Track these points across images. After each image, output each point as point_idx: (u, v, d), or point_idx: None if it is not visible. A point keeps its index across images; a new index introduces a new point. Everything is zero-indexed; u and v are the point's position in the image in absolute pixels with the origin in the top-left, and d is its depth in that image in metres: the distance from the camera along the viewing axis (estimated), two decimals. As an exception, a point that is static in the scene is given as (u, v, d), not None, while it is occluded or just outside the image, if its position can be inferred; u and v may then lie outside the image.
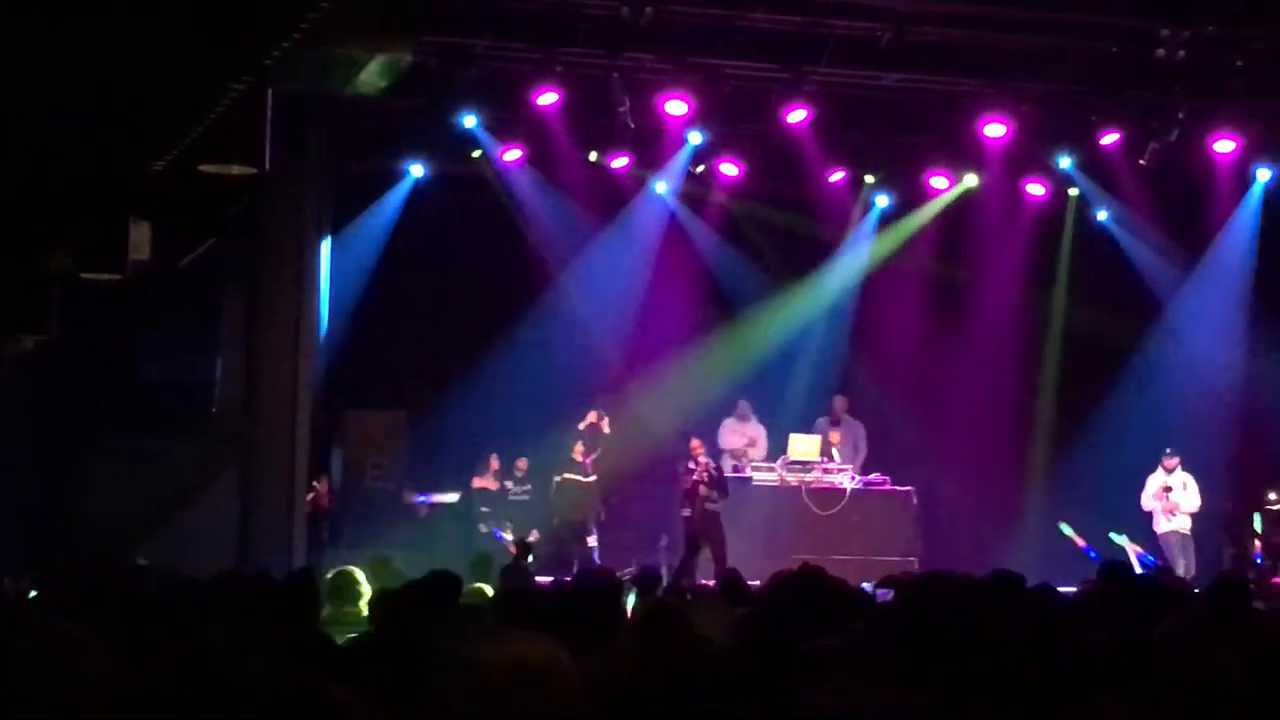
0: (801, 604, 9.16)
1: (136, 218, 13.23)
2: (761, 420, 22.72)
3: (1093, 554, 19.43)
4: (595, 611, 7.50)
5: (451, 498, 21.15)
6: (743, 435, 22.32)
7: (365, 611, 10.05)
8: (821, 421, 22.71)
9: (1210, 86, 20.86)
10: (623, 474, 22.28)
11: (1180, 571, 19.82)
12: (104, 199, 12.48)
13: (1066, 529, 20.39)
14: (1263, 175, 22.62)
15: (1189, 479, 21.27)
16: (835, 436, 22.46)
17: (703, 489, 20.51)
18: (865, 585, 11.87)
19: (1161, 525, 21.18)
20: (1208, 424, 22.65)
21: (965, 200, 23.40)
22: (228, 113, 10.01)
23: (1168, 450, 21.35)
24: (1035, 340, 23.97)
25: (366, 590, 10.49)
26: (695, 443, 21.20)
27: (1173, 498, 21.12)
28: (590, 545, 21.33)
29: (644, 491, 22.57)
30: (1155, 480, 21.31)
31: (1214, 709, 5.19)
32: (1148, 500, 21.27)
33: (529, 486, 21.69)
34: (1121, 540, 20.02)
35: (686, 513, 20.68)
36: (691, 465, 20.84)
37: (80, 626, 5.10)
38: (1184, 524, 21.11)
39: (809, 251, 23.71)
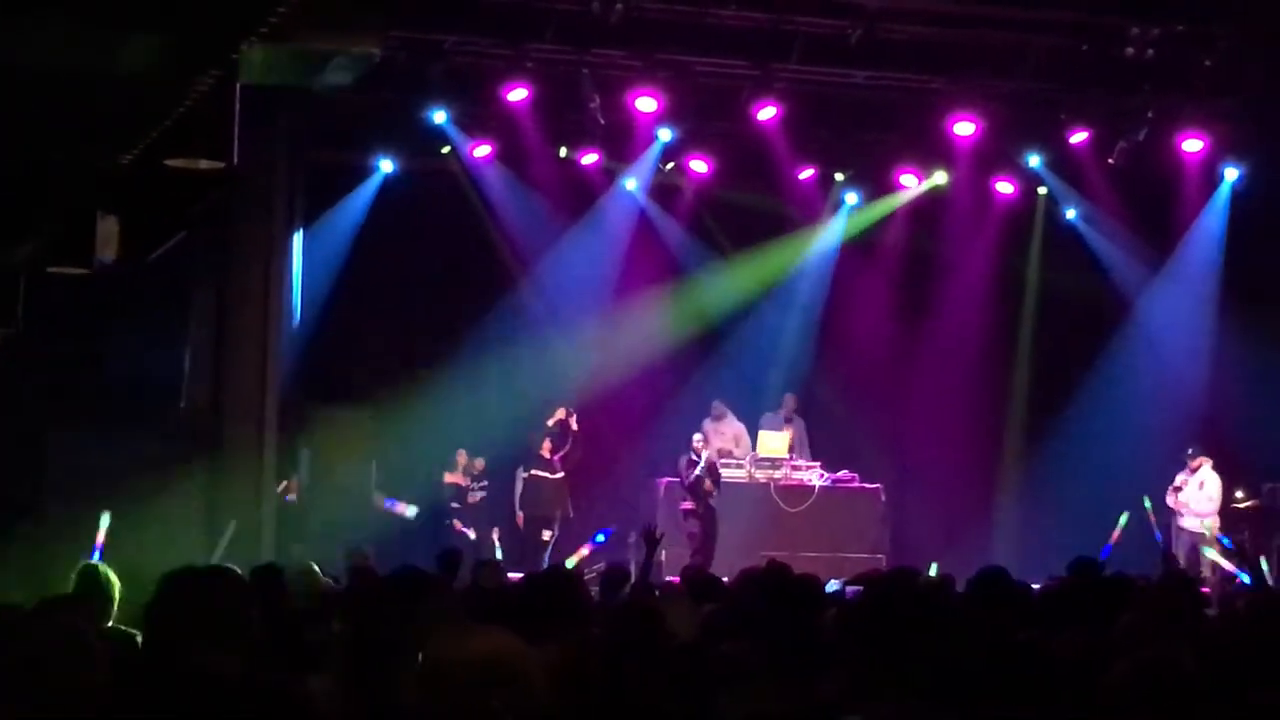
0: (769, 601, 9.18)
1: (104, 212, 13.17)
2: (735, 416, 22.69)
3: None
4: (556, 604, 7.50)
5: (411, 512, 21.01)
6: (725, 435, 22.25)
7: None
8: (772, 418, 22.60)
9: (1179, 85, 20.93)
10: (591, 471, 22.27)
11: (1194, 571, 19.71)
12: (71, 193, 12.43)
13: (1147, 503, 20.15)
14: (1231, 174, 22.68)
15: (1210, 479, 21.16)
16: (792, 435, 22.44)
17: (707, 483, 20.62)
18: (834, 582, 11.91)
19: (1178, 523, 21.19)
20: (1175, 422, 22.70)
21: (934, 198, 23.43)
22: (195, 106, 9.97)
23: (1190, 450, 21.31)
24: (1004, 338, 24.01)
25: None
26: (698, 437, 21.31)
27: (1181, 497, 21.11)
28: (547, 540, 21.32)
29: (613, 488, 22.55)
30: (1179, 478, 21.27)
31: (1163, 707, 5.20)
32: (1169, 497, 21.29)
33: (486, 483, 21.64)
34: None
35: (688, 506, 20.78)
36: (694, 459, 20.96)
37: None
38: (1193, 524, 21.02)
39: (778, 249, 23.69)
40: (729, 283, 23.58)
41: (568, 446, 21.71)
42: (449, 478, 21.42)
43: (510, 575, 14.56)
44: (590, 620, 7.22)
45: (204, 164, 11.01)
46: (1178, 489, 21.18)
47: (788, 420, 22.60)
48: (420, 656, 4.40)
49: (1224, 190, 22.90)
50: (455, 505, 21.25)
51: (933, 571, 16.62)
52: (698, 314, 23.63)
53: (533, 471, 21.59)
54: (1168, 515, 21.06)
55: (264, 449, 19.48)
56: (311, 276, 21.26)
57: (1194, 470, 21.21)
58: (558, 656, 5.72)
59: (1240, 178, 22.65)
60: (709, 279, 23.59)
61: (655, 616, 6.84)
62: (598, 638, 6.79)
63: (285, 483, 19.98)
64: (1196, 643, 6.58)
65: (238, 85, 10.86)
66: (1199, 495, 21.12)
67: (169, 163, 11.02)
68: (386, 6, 16.71)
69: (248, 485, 18.95)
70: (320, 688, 6.05)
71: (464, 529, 20.98)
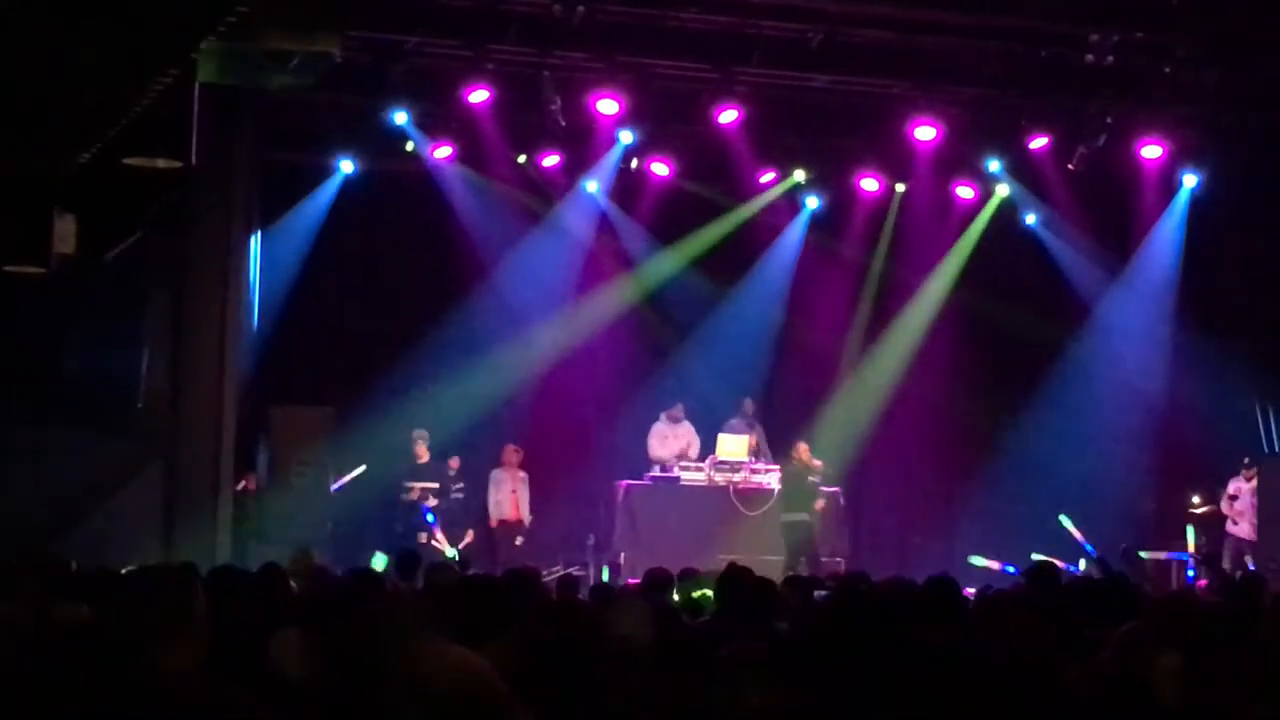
0: (728, 604, 9.20)
1: (61, 211, 13.13)
2: (690, 421, 22.66)
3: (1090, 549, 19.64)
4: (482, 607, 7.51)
5: (359, 470, 20.85)
6: (678, 440, 22.22)
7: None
8: (738, 423, 22.57)
9: (1138, 92, 21.05)
10: (552, 473, 22.25)
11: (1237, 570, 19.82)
12: (28, 192, 12.38)
13: (1066, 521, 20.27)
14: (1189, 181, 22.76)
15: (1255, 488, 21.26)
16: (755, 439, 22.42)
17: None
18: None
19: (1230, 530, 21.24)
20: (1133, 427, 22.81)
21: (895, 201, 23.52)
22: (153, 106, 9.93)
23: (1246, 459, 21.36)
24: (962, 342, 24.04)
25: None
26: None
27: (1239, 505, 21.17)
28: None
29: (572, 491, 22.54)
30: (1232, 486, 21.30)
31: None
32: (1224, 504, 21.36)
33: (463, 485, 21.56)
34: (1068, 524, 20.04)
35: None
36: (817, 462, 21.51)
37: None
38: (1246, 531, 21.06)
39: (738, 251, 23.71)
40: (689, 285, 23.57)
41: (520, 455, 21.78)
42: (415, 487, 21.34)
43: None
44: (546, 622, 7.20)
45: (162, 163, 10.99)
46: (1233, 497, 21.21)
47: (750, 425, 22.58)
48: (390, 670, 4.39)
49: (1182, 196, 22.99)
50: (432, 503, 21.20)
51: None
52: (658, 317, 23.62)
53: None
54: (1217, 521, 21.24)
55: (221, 449, 19.44)
56: (271, 277, 21.20)
57: (1249, 479, 21.22)
58: (503, 657, 5.70)
59: (1198, 184, 22.74)
60: (669, 282, 23.56)
61: (575, 616, 6.81)
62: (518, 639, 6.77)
63: (243, 482, 19.92)
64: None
65: (196, 85, 10.83)
66: (1252, 504, 21.15)
67: (127, 162, 10.99)
68: (345, 7, 16.67)
69: (205, 485, 18.90)
70: (280, 689, 6.04)
71: (430, 538, 20.87)
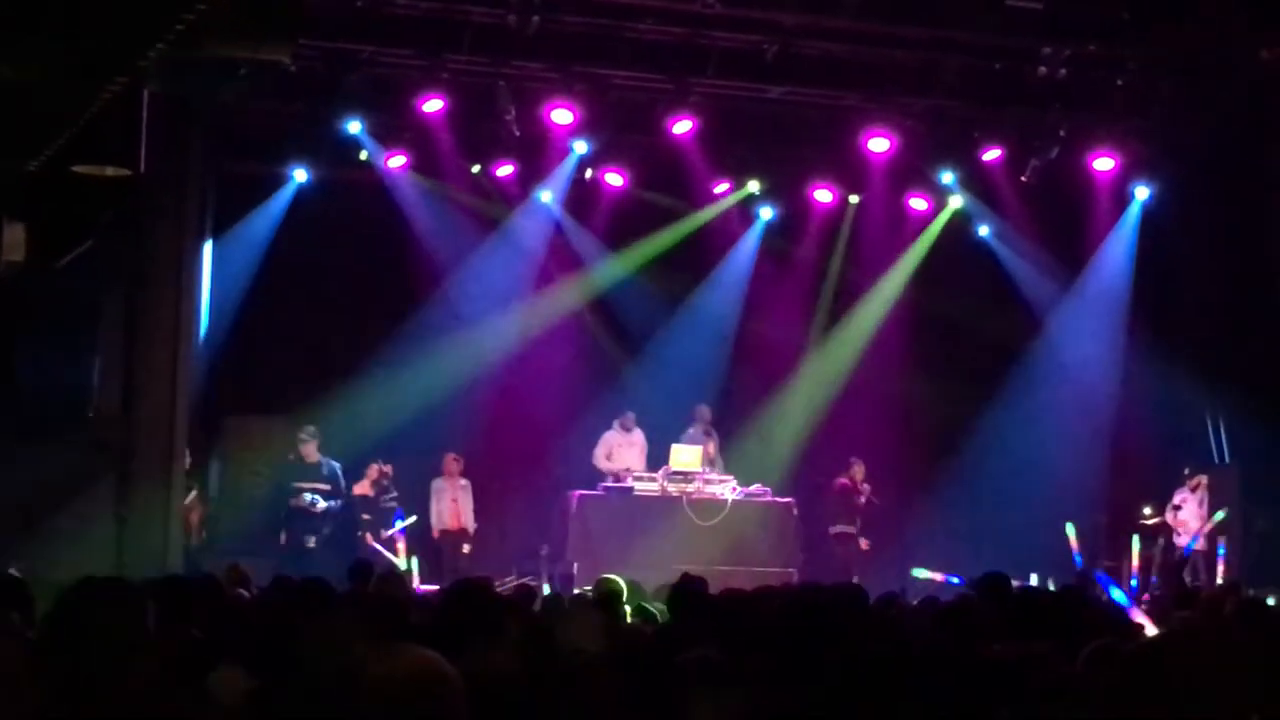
0: (683, 614, 9.20)
1: (10, 218, 13.06)
2: (643, 429, 22.64)
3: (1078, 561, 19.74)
4: (469, 620, 7.48)
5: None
6: (634, 447, 22.20)
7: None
8: (696, 433, 22.58)
9: (1090, 105, 21.18)
10: (505, 483, 22.21)
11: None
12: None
13: (920, 572, 20.44)
14: (1141, 193, 22.89)
15: (1207, 498, 21.35)
16: (711, 448, 22.44)
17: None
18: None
19: (1175, 541, 21.31)
20: (1084, 438, 22.88)
21: (849, 214, 23.58)
22: (102, 114, 9.89)
23: (1186, 470, 21.44)
24: (915, 353, 24.10)
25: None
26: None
27: (1182, 515, 21.25)
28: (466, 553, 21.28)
29: (526, 500, 22.50)
30: (1178, 497, 21.38)
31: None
32: (1168, 515, 21.43)
33: (395, 494, 21.50)
34: (923, 574, 20.21)
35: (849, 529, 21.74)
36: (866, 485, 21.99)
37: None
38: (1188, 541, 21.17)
39: (693, 261, 23.74)
40: (643, 296, 23.58)
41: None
42: (357, 489, 21.28)
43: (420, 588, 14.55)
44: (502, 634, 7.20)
45: (111, 171, 10.94)
46: (1177, 507, 21.28)
47: (707, 434, 22.57)
48: (345, 672, 4.37)
49: (1134, 209, 23.10)
50: (366, 517, 21.09)
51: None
52: (611, 326, 23.62)
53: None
54: (1165, 532, 21.31)
55: (174, 459, 19.34)
56: (224, 286, 21.11)
57: (1194, 489, 21.31)
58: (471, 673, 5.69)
59: (1150, 197, 22.86)
60: (623, 292, 23.56)
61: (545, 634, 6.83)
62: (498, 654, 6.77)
63: (194, 492, 19.84)
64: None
65: (145, 93, 10.79)
66: (1199, 514, 21.24)
67: (75, 170, 10.93)
68: (298, 16, 16.62)
69: (157, 495, 18.80)
70: (226, 700, 6.01)
71: (375, 544, 20.78)
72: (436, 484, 21.57)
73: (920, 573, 20.27)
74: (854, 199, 23.35)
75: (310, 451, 20.69)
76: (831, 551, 21.70)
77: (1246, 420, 21.13)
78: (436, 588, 15.45)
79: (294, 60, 17.17)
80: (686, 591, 9.88)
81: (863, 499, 21.93)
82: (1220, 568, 20.31)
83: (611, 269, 23.52)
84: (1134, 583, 20.20)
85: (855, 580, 18.22)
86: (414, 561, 20.11)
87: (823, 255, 24.07)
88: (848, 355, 23.95)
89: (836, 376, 23.92)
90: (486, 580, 12.77)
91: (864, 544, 21.87)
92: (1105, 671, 6.10)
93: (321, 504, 20.49)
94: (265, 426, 21.18)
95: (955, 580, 18.96)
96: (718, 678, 5.55)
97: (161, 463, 19.07)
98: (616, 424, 22.23)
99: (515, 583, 17.20)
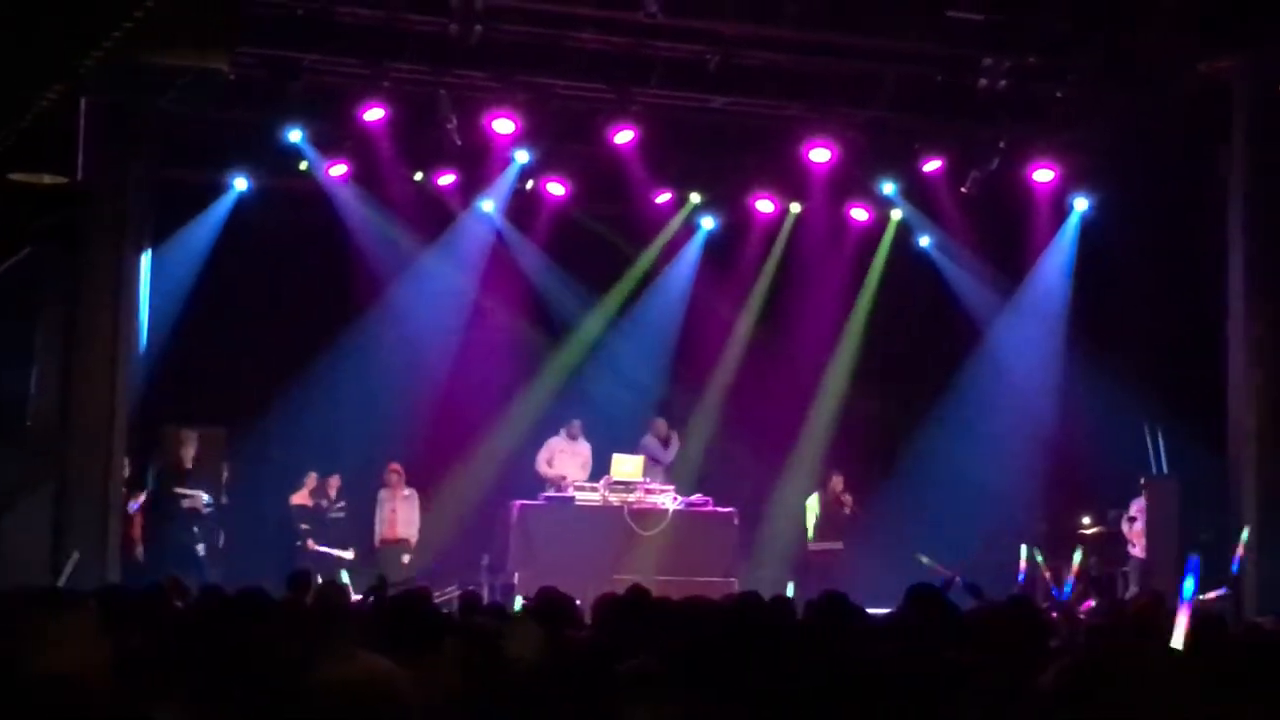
0: (626, 625, 9.19)
1: (-55, 226, 12.96)
2: (586, 439, 22.62)
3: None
4: (408, 629, 7.45)
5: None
6: (579, 456, 22.16)
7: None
8: (653, 443, 22.55)
9: (1030, 116, 21.30)
10: (446, 493, 22.15)
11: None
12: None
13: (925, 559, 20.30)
14: (1080, 204, 23.03)
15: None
16: (667, 459, 22.42)
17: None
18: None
19: (1132, 553, 21.36)
20: (1023, 448, 22.96)
21: (790, 224, 23.63)
22: (39, 121, 9.82)
23: (1142, 480, 21.50)
24: (856, 364, 24.18)
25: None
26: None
27: (1138, 527, 21.29)
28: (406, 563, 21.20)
29: (467, 511, 22.43)
30: (1134, 508, 21.43)
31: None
32: (1124, 525, 21.48)
33: (343, 504, 21.44)
34: (927, 560, 20.08)
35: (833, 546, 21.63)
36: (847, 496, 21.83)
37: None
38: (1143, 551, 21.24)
39: (634, 271, 23.75)
40: (584, 305, 23.59)
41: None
42: (295, 499, 21.21)
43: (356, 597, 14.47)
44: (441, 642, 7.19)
45: (48, 179, 10.87)
46: (1133, 518, 21.33)
47: (666, 445, 22.53)
48: (296, 679, 4.34)
49: (1073, 220, 23.24)
50: (304, 527, 21.01)
51: (789, 591, 16.79)
52: (552, 335, 23.61)
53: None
54: (1109, 542, 21.36)
55: (112, 468, 19.21)
56: (163, 294, 21.00)
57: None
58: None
59: (1089, 208, 23.00)
60: (564, 301, 23.56)
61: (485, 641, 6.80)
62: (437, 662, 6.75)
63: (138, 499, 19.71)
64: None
65: (83, 101, 10.72)
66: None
67: (13, 177, 10.86)
68: (239, 24, 16.58)
69: (95, 504, 18.67)
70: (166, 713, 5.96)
71: (319, 547, 20.71)
72: (380, 494, 21.51)
73: (925, 559, 20.02)
74: (795, 208, 23.40)
75: (187, 455, 20.43)
76: (812, 567, 21.58)
77: (1185, 431, 21.24)
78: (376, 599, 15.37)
79: (234, 68, 17.12)
80: (627, 602, 9.88)
81: (847, 510, 21.85)
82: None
83: (553, 281, 23.51)
84: (1067, 588, 20.22)
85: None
86: (344, 574, 20.03)
87: (763, 265, 24.09)
88: (789, 364, 23.97)
89: (778, 385, 23.93)
90: (425, 590, 12.77)
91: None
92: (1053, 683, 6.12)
93: (204, 509, 20.23)
94: (204, 437, 21.04)
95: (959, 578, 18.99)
96: (656, 688, 5.54)
97: (99, 472, 18.94)
98: (563, 431, 22.18)
99: (459, 592, 17.11)
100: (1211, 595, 18.35)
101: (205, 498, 20.17)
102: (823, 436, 23.90)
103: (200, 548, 19.93)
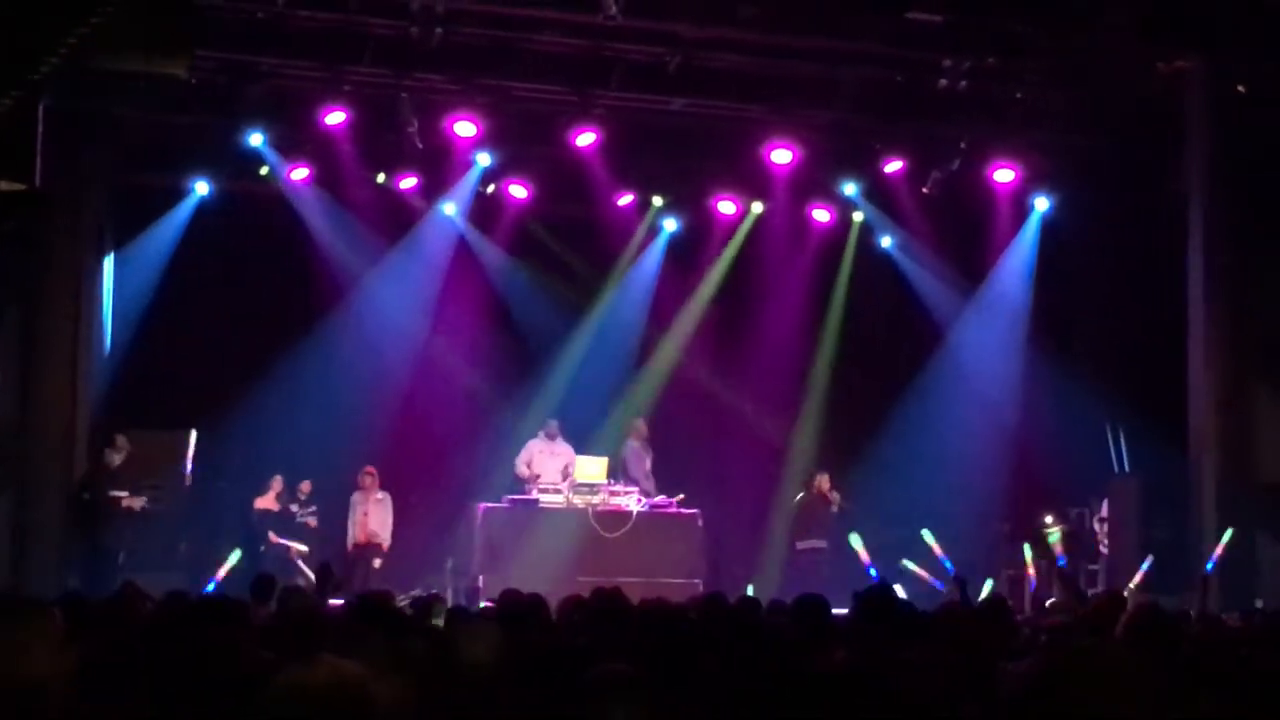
0: (595, 627, 9.20)
1: (-95, 232, 12.91)
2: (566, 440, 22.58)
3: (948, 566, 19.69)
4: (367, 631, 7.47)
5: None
6: (558, 456, 22.10)
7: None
8: (637, 446, 22.52)
9: (990, 117, 21.35)
10: (411, 495, 22.11)
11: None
12: None
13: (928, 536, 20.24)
14: (1040, 204, 23.10)
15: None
16: (648, 463, 22.41)
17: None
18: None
19: (1102, 550, 21.43)
20: (986, 448, 23.01)
21: (751, 225, 23.65)
22: (-4, 127, 9.79)
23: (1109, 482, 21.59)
24: (819, 365, 24.22)
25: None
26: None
27: (1108, 527, 21.37)
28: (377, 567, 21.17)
29: (430, 514, 22.41)
30: (1105, 508, 21.49)
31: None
32: (1095, 525, 21.56)
33: (314, 508, 21.41)
34: (929, 539, 20.05)
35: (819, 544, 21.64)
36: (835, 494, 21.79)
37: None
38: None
39: (597, 274, 23.77)
40: (547, 307, 23.58)
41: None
42: (260, 503, 21.16)
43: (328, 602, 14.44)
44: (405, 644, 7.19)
45: (5, 184, 10.83)
46: (1103, 519, 21.39)
47: (646, 447, 22.52)
48: (263, 683, 4.34)
49: (1034, 220, 23.30)
50: (272, 535, 20.98)
51: (749, 591, 16.82)
52: (516, 338, 23.59)
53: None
54: (1091, 543, 21.44)
55: (73, 474, 19.17)
56: (125, 298, 20.96)
57: None
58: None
59: (1050, 208, 23.08)
60: (527, 303, 23.55)
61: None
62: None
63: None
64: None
65: (41, 106, 10.68)
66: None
67: (-31, 183, 10.82)
68: (198, 28, 16.53)
69: (55, 509, 18.64)
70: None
71: (280, 540, 20.67)
72: (354, 497, 21.43)
73: (910, 565, 20.02)
74: (757, 208, 23.40)
75: (114, 456, 20.11)
76: (797, 566, 21.62)
77: (1145, 430, 21.34)
78: (343, 602, 15.36)
79: (193, 72, 17.07)
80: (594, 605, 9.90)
81: (834, 508, 21.84)
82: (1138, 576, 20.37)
83: (516, 282, 23.52)
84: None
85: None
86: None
87: (726, 265, 24.10)
88: (753, 366, 23.99)
89: (741, 386, 23.97)
90: (388, 594, 12.75)
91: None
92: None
93: (137, 505, 19.96)
94: (167, 441, 20.99)
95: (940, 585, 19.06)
96: (632, 691, 5.55)
97: (60, 477, 18.91)
98: (541, 433, 22.14)
99: (424, 595, 17.09)
100: (1139, 577, 18.57)
101: (141, 498, 19.96)
102: (784, 437, 23.94)
103: (120, 555, 19.49)
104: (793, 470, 23.78)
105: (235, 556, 17.06)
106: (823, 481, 21.99)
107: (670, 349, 24.04)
